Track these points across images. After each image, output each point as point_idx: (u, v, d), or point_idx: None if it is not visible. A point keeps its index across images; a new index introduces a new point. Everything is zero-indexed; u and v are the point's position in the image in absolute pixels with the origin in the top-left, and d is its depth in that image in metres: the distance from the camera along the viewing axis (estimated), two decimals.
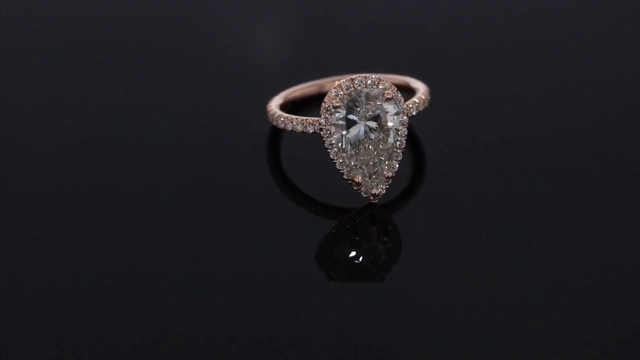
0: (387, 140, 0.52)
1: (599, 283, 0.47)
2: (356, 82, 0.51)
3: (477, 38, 0.73)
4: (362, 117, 0.51)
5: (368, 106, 0.51)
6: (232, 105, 0.63)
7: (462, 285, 0.47)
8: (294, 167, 0.56)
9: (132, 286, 0.47)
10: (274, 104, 0.57)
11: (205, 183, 0.55)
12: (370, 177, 0.52)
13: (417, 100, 0.55)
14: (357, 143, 0.52)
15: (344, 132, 0.52)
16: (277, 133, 0.58)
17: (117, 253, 0.49)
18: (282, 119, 0.55)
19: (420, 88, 0.57)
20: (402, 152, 0.52)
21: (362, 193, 0.52)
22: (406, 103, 0.53)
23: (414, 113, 0.54)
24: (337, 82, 0.52)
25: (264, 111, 0.57)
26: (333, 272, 0.49)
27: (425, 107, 0.55)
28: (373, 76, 0.52)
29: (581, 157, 0.57)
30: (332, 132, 0.52)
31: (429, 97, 0.56)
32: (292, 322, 0.45)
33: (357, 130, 0.51)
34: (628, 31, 0.73)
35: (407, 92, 0.59)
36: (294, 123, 0.54)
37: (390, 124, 0.52)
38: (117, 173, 0.55)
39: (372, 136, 0.51)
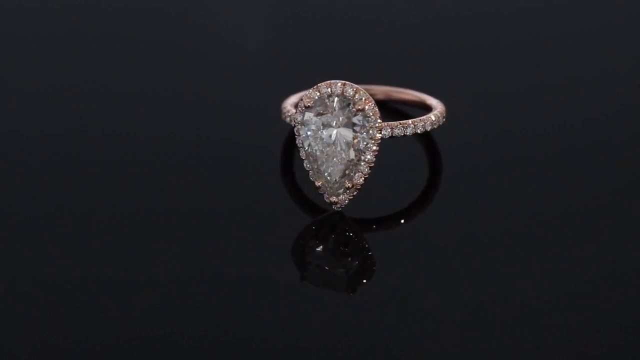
0: (349, 151, 0.51)
1: (600, 284, 0.47)
2: (334, 87, 0.51)
3: (480, 40, 0.73)
4: (333, 123, 0.51)
5: (339, 113, 0.50)
6: (231, 104, 0.63)
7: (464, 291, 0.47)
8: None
9: (133, 285, 0.47)
10: (290, 102, 0.57)
11: (206, 183, 0.55)
12: (330, 184, 0.51)
13: (433, 118, 0.54)
14: (321, 148, 0.51)
15: (310, 134, 0.51)
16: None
17: (116, 252, 0.49)
18: (285, 112, 0.55)
19: (437, 107, 0.56)
20: (369, 167, 0.51)
21: (325, 198, 0.52)
22: (415, 119, 0.52)
23: (419, 131, 0.53)
24: (321, 83, 0.51)
25: (277, 109, 0.57)
26: (305, 273, 0.48)
27: (434, 128, 0.54)
28: (354, 85, 0.50)
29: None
30: (301, 132, 0.51)
31: (442, 119, 0.55)
32: (292, 322, 0.45)
33: (326, 135, 0.51)
34: (628, 31, 0.73)
35: (423, 109, 0.58)
36: (289, 119, 0.54)
37: (354, 134, 0.50)
38: (118, 173, 0.55)
39: (337, 146, 0.50)
